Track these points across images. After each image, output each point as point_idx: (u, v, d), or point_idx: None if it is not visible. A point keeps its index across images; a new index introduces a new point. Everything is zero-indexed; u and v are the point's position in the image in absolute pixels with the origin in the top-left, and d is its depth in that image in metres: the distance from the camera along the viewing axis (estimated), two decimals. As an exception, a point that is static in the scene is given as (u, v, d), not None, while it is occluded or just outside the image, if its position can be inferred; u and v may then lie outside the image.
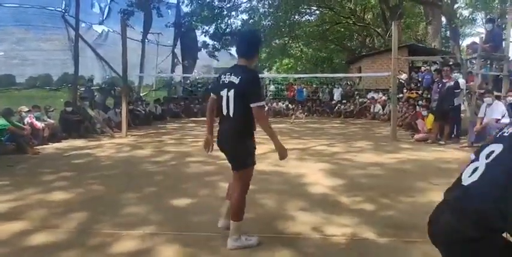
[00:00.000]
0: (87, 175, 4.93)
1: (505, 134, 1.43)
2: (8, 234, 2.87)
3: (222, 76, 2.60)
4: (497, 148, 1.38)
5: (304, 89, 17.51)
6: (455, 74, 8.36)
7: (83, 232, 2.91)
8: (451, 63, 10.39)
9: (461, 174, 1.45)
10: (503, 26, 10.07)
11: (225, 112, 2.54)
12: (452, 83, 7.40)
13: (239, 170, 2.57)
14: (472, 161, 1.43)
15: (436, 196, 3.79)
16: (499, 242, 1.22)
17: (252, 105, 2.43)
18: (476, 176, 1.33)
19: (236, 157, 2.59)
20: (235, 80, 2.48)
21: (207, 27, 19.52)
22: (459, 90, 7.39)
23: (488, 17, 18.07)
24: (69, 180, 4.62)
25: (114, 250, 2.59)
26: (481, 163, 1.38)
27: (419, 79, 12.79)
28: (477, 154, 1.43)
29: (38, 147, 7.11)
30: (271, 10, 21.16)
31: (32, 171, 5.19)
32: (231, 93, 2.49)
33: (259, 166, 5.57)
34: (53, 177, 4.79)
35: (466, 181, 1.41)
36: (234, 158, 2.59)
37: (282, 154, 2.55)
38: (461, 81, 7.86)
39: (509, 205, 1.12)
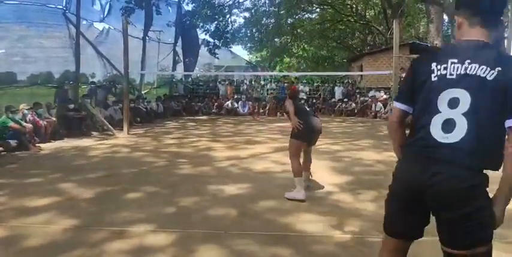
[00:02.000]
0: (88, 172, 4.94)
1: (451, 76, 1.30)
2: (10, 232, 2.89)
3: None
4: (459, 94, 1.28)
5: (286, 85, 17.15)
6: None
7: (85, 229, 2.92)
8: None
9: (429, 128, 1.32)
10: (506, 24, 10.02)
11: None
12: None
13: None
14: (429, 113, 1.32)
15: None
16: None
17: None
18: (460, 134, 1.27)
19: None
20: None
21: (207, 26, 19.52)
22: None
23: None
24: (70, 178, 4.63)
25: (116, 247, 2.59)
26: (451, 114, 1.29)
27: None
28: (427, 101, 1.33)
29: (40, 144, 7.12)
30: (272, 8, 21.13)
31: (33, 169, 5.20)
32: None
33: (261, 164, 5.62)
34: (55, 175, 4.80)
35: (447, 138, 1.29)
36: None
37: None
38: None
39: None
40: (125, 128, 8.99)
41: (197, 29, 19.23)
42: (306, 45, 27.81)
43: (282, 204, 3.57)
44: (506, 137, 1.28)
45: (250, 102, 15.47)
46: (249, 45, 25.09)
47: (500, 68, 1.25)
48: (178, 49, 18.11)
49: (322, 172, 4.84)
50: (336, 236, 2.79)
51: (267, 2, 21.53)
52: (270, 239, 2.71)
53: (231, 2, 19.93)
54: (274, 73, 22.08)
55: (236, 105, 15.30)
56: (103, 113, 9.94)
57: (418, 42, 17.86)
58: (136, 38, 14.50)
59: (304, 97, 16.87)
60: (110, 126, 9.37)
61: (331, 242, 2.69)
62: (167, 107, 14.23)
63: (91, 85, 11.69)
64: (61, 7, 10.49)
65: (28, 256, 2.51)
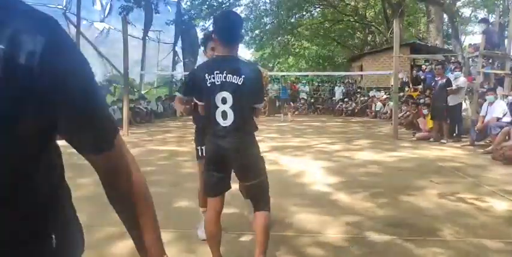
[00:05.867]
0: (87, 172, 4.94)
1: (218, 82, 1.95)
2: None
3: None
4: (225, 94, 1.95)
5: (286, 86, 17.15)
6: (457, 72, 8.34)
7: (85, 229, 2.92)
8: (453, 61, 10.36)
9: (215, 118, 1.99)
10: (506, 24, 10.02)
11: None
12: (443, 80, 7.37)
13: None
14: (214, 107, 1.98)
15: (437, 195, 3.80)
16: None
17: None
18: (231, 118, 1.96)
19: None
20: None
21: (206, 24, 19.51)
22: (451, 88, 7.35)
23: (482, 17, 18.04)
24: (68, 177, 4.62)
25: (117, 247, 2.60)
26: (225, 108, 1.96)
27: (422, 77, 12.77)
28: (209, 99, 2.01)
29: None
30: (272, 8, 21.12)
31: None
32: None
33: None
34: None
35: (225, 123, 1.98)
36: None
37: None
38: (462, 79, 7.84)
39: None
40: (125, 127, 8.99)
41: (197, 29, 19.24)
42: (307, 44, 27.78)
43: (280, 204, 3.57)
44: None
45: None
46: (249, 43, 25.06)
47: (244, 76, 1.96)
48: (178, 49, 18.12)
49: (319, 172, 4.84)
50: (335, 236, 2.79)
51: (267, 1, 21.54)
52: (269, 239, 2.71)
53: (231, 1, 19.90)
54: (274, 73, 22.05)
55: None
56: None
57: (418, 42, 17.86)
58: (137, 38, 14.51)
59: (305, 97, 16.89)
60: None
61: (329, 242, 2.70)
62: (167, 107, 14.25)
63: None
64: (61, 7, 10.51)
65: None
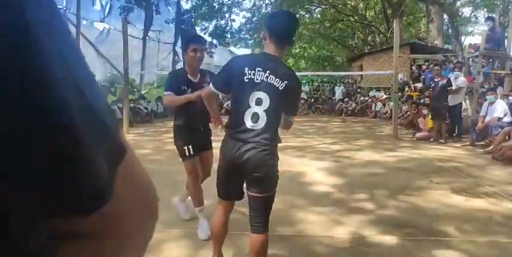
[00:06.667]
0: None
1: (257, 80, 1.77)
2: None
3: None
4: (262, 95, 1.77)
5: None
6: (457, 72, 8.34)
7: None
8: (455, 61, 10.36)
9: (243, 118, 1.79)
10: (506, 24, 10.02)
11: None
12: (444, 81, 7.38)
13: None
14: (245, 106, 1.79)
15: (437, 195, 3.80)
16: None
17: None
18: (262, 123, 1.77)
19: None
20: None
21: (206, 24, 19.53)
22: (451, 88, 7.35)
23: (487, 15, 18.01)
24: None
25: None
26: (258, 110, 1.77)
27: (422, 77, 12.78)
28: (241, 97, 1.82)
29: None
30: (273, 9, 21.13)
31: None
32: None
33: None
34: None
35: (254, 126, 1.78)
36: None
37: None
38: (462, 79, 7.84)
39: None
40: (125, 127, 9.00)
41: (197, 29, 19.25)
42: (306, 45, 27.80)
43: (281, 204, 3.57)
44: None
45: None
46: (249, 44, 25.07)
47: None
48: (178, 49, 18.10)
49: (320, 172, 4.84)
50: (336, 236, 2.78)
51: (268, 3, 21.55)
52: (269, 239, 2.71)
53: (230, 2, 19.92)
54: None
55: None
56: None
57: (418, 42, 17.87)
58: (137, 38, 14.51)
59: (305, 97, 16.90)
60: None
61: (330, 242, 2.69)
62: (167, 107, 14.24)
63: None
64: (61, 7, 10.50)
65: None
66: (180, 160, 2.83)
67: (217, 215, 2.09)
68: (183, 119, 2.75)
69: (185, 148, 2.73)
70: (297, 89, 1.89)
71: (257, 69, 1.77)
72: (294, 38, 1.93)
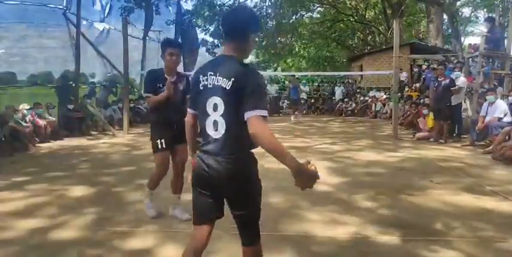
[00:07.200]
0: (89, 172, 4.95)
1: (210, 86, 1.67)
2: (16, 231, 2.89)
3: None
4: (217, 100, 1.65)
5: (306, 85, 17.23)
6: (457, 72, 8.34)
7: (87, 229, 2.92)
8: (455, 61, 10.36)
9: (206, 128, 1.69)
10: (506, 24, 10.02)
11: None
12: (447, 81, 7.38)
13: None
14: (205, 115, 1.68)
15: (437, 194, 3.80)
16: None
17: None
18: (222, 130, 1.64)
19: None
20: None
21: (208, 26, 19.51)
22: (454, 88, 7.35)
23: (487, 15, 18.01)
24: (71, 178, 4.64)
25: (118, 247, 2.60)
26: (216, 117, 1.65)
27: (424, 77, 12.78)
28: (201, 107, 1.72)
29: (39, 144, 7.12)
30: (276, 11, 21.12)
31: (33, 169, 5.20)
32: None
33: (261, 163, 5.58)
34: (56, 175, 4.80)
35: (216, 134, 1.66)
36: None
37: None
38: (462, 79, 7.84)
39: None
40: (125, 127, 8.99)
41: (197, 29, 19.22)
42: (306, 45, 27.79)
43: (281, 204, 3.57)
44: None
45: None
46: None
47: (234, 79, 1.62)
48: (178, 49, 18.11)
49: (321, 172, 4.83)
50: (336, 236, 2.78)
51: (268, 3, 21.51)
52: (270, 239, 2.71)
53: (231, 2, 19.90)
54: (274, 73, 22.08)
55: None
56: (103, 113, 9.94)
57: (418, 42, 17.87)
58: (137, 38, 14.49)
59: (305, 97, 16.88)
60: (109, 126, 9.37)
61: (331, 242, 2.70)
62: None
63: (90, 85, 11.69)
64: (61, 7, 10.48)
65: (29, 256, 2.51)
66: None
67: (187, 247, 1.82)
68: (158, 114, 3.06)
69: (158, 141, 3.00)
70: (248, 85, 1.58)
71: (209, 73, 1.68)
72: (245, 32, 1.70)
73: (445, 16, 16.31)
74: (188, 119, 1.90)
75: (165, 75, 3.04)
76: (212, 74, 1.67)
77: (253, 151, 1.71)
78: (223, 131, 1.64)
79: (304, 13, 24.13)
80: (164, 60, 3.02)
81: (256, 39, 1.70)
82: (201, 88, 1.70)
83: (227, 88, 1.62)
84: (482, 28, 11.72)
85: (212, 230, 1.79)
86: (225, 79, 1.63)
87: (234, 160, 1.64)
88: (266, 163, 5.32)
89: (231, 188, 1.67)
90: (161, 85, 3.00)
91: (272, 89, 17.11)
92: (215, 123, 1.66)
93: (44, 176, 4.74)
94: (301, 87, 16.97)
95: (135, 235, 2.81)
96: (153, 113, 3.15)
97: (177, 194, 3.19)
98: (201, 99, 1.71)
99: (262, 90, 1.64)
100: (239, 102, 1.58)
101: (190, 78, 2.28)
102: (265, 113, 1.57)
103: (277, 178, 4.49)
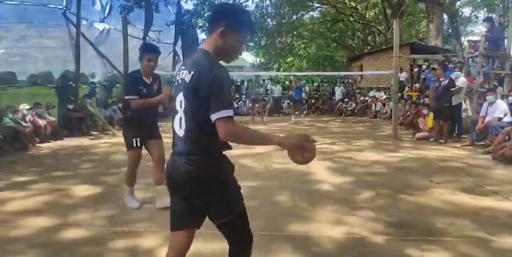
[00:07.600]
0: (91, 172, 4.95)
1: (179, 81, 1.57)
2: (12, 232, 2.89)
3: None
4: (181, 95, 1.55)
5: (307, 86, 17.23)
6: (457, 72, 8.33)
7: (88, 229, 2.92)
8: (456, 61, 10.35)
9: (173, 126, 1.61)
10: (506, 24, 10.03)
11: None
12: (447, 81, 7.38)
13: None
14: (175, 112, 1.59)
15: (437, 194, 3.80)
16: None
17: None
18: (183, 126, 1.53)
19: None
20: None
21: (207, 25, 19.54)
22: (455, 88, 7.35)
23: (486, 16, 18.02)
24: (71, 177, 4.64)
25: (118, 247, 2.60)
26: (181, 113, 1.55)
27: (424, 77, 12.78)
28: (173, 103, 1.61)
29: (40, 144, 7.12)
30: (277, 11, 21.12)
31: (34, 169, 5.20)
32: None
33: (262, 163, 5.62)
34: (56, 174, 4.80)
35: (180, 132, 1.56)
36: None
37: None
38: (462, 79, 7.83)
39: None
40: (125, 128, 8.98)
41: (197, 29, 19.24)
42: (306, 45, 27.81)
43: (282, 204, 3.57)
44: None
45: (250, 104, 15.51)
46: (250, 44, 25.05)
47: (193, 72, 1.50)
48: (178, 49, 18.09)
49: (321, 172, 4.84)
50: (336, 236, 2.79)
51: (268, 3, 21.53)
52: (270, 239, 2.71)
53: (231, 1, 19.91)
54: (275, 73, 22.08)
55: (236, 105, 15.30)
56: (103, 113, 9.94)
57: (418, 42, 17.88)
58: (137, 38, 14.48)
59: (305, 97, 16.88)
60: (109, 126, 9.37)
61: (331, 242, 2.70)
62: (167, 107, 14.22)
63: (90, 85, 11.68)
64: (61, 7, 10.48)
65: (29, 256, 2.51)
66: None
67: (168, 253, 1.71)
68: (133, 112, 3.24)
69: (133, 139, 3.25)
70: (208, 78, 1.44)
71: (181, 68, 1.58)
72: (219, 25, 1.56)
73: (445, 16, 16.30)
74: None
75: (143, 78, 3.26)
76: (184, 68, 1.57)
77: (229, 152, 1.58)
78: (184, 127, 1.53)
79: (304, 13, 24.14)
80: (142, 64, 3.24)
81: (248, 39, 1.51)
82: (175, 84, 1.62)
83: (187, 81, 1.51)
84: (482, 28, 11.72)
85: (192, 237, 1.66)
86: (186, 72, 1.52)
87: (198, 161, 1.51)
88: (271, 163, 5.35)
89: (198, 193, 1.54)
90: (142, 87, 3.21)
91: (276, 90, 17.10)
92: (180, 120, 1.55)
93: (45, 176, 4.74)
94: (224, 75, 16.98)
95: (136, 235, 2.81)
96: (128, 110, 3.32)
97: (161, 185, 3.30)
98: (174, 96, 1.62)
99: (223, 84, 1.45)
100: (199, 97, 1.46)
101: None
102: (229, 112, 1.43)
103: (276, 178, 4.49)
